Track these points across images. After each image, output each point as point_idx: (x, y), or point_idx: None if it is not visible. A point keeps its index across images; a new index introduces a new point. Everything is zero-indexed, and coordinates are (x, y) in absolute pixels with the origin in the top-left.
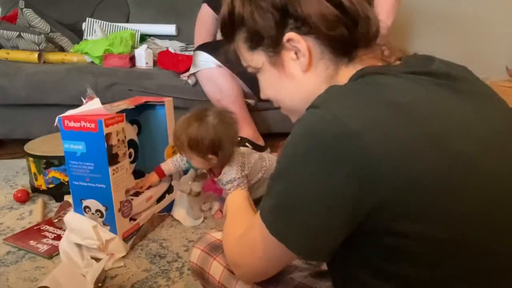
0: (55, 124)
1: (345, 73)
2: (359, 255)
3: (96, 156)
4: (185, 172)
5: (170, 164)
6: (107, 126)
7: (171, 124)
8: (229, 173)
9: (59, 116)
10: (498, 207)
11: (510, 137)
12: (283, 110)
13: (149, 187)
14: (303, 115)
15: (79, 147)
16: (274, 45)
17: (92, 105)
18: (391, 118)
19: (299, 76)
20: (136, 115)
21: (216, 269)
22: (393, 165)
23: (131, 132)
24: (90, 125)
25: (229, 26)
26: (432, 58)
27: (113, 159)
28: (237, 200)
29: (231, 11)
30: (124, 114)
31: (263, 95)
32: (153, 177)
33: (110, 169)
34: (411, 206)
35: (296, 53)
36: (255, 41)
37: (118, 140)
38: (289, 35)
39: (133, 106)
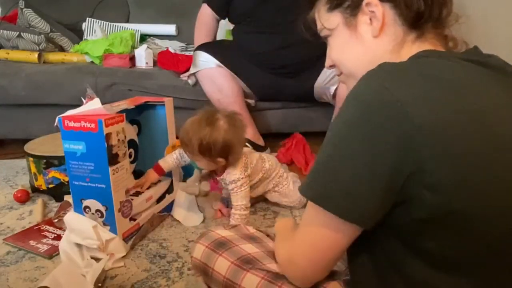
0: (55, 124)
1: (409, 50)
2: (391, 226)
3: (96, 156)
4: (184, 169)
5: (169, 161)
6: (107, 126)
7: (171, 124)
8: (233, 173)
9: (59, 116)
10: None
11: None
12: (342, 77)
13: (149, 186)
14: (354, 86)
15: (79, 147)
16: (353, 7)
17: (92, 105)
18: (436, 92)
19: (368, 40)
20: (136, 115)
21: (221, 265)
22: (433, 135)
23: (131, 132)
24: (90, 125)
25: None
26: (492, 55)
27: (113, 159)
28: (283, 221)
29: None
30: (124, 114)
31: (328, 62)
32: (152, 175)
33: (110, 169)
34: (443, 178)
35: (370, 19)
36: (337, 2)
37: (118, 140)
38: None
39: (133, 106)
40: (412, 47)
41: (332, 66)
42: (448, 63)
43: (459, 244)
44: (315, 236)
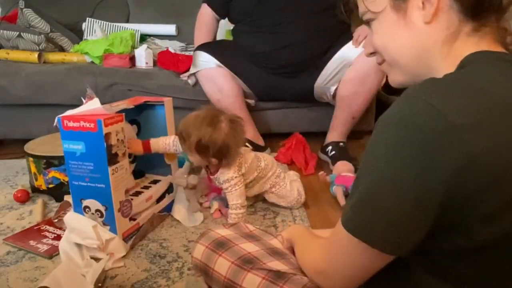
0: (55, 124)
1: (464, 45)
2: (424, 250)
3: (95, 156)
4: (180, 165)
5: (160, 144)
6: (106, 126)
7: (171, 124)
8: (227, 173)
9: (59, 116)
10: None
11: None
12: (384, 65)
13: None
14: (395, 103)
15: (78, 147)
16: None
17: (92, 105)
18: (494, 115)
19: (419, 26)
20: (135, 115)
21: (222, 265)
22: (492, 164)
23: (130, 132)
24: (90, 125)
25: None
26: None
27: (112, 159)
28: (298, 228)
29: None
30: (124, 114)
31: (368, 49)
32: (138, 146)
33: (110, 169)
34: (498, 207)
35: (423, 3)
36: None
37: (118, 140)
38: None
39: (133, 106)
40: (467, 42)
41: (372, 54)
42: (499, 71)
43: (501, 269)
44: (349, 260)
